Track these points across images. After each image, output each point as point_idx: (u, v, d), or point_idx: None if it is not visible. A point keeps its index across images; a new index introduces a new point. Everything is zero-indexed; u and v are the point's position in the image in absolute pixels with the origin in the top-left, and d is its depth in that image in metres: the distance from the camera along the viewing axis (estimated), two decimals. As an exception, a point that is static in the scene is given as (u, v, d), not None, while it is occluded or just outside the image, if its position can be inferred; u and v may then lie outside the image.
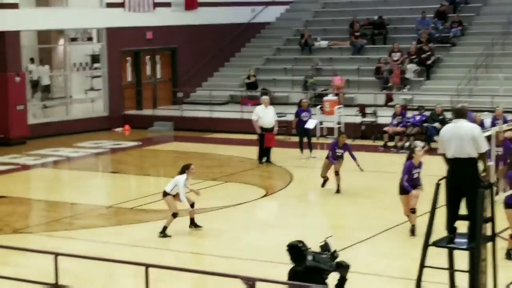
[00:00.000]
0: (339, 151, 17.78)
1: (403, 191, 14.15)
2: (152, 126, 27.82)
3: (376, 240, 12.59)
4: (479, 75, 26.41)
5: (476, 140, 9.99)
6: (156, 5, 29.64)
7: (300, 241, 7.91)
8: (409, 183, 14.12)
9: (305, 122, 21.73)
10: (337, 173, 17.56)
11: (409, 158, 14.48)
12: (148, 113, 28.97)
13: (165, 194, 14.64)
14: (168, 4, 30.30)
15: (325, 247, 7.84)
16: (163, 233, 14.56)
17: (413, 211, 13.97)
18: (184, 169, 14.65)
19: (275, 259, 11.94)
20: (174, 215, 14.54)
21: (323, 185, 17.92)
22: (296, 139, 22.14)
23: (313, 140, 22.69)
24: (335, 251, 7.85)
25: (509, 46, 27.74)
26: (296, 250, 7.86)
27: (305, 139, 21.78)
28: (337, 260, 7.97)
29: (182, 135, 26.65)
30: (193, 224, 14.95)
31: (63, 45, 29.92)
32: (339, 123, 24.79)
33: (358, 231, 13.97)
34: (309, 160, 21.49)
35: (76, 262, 11.39)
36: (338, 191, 17.60)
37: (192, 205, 14.72)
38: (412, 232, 13.89)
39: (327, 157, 17.76)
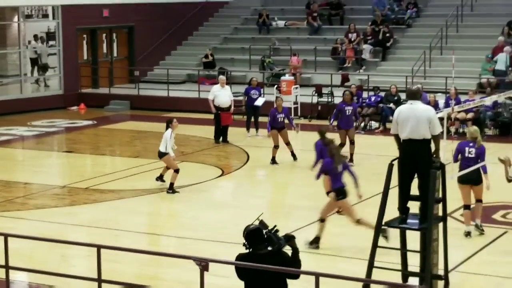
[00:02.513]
0: (279, 116, 18.48)
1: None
2: (108, 105, 27.63)
3: (329, 221, 12.67)
4: (434, 56, 26.66)
5: (431, 121, 10.10)
6: (113, -18, 29.36)
7: (260, 223, 7.70)
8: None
9: (255, 100, 21.84)
10: (288, 143, 18.45)
11: None
12: (104, 92, 28.72)
13: (161, 154, 15.95)
14: (125, -18, 30.02)
15: (263, 225, 7.68)
16: (172, 189, 15.81)
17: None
18: (168, 124, 16.05)
19: (231, 240, 11.99)
20: (177, 171, 15.88)
21: (273, 160, 18.52)
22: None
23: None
24: (275, 226, 7.72)
25: (462, 28, 28.05)
26: (259, 233, 7.62)
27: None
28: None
29: (139, 114, 26.50)
30: (161, 179, 16.37)
31: (17, 22, 29.50)
32: (295, 103, 24.86)
33: (312, 211, 14.04)
34: (255, 138, 21.63)
35: (28, 243, 11.32)
36: (294, 158, 18.51)
37: (177, 171, 15.88)
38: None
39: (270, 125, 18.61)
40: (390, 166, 10.10)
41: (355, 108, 18.79)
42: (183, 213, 15.00)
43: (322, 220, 12.57)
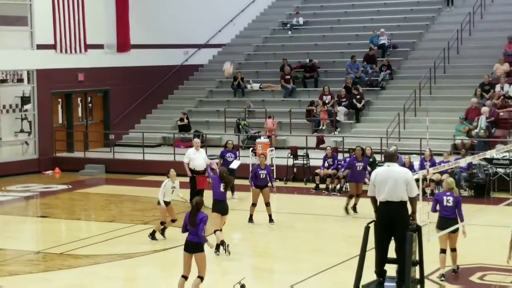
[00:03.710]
0: (261, 172, 18.54)
1: None
2: (83, 169, 27.51)
3: (306, 285, 12.59)
4: (408, 118, 26.91)
5: (409, 184, 10.18)
6: (88, 46, 29.49)
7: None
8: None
9: (230, 162, 21.84)
10: (267, 204, 18.41)
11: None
12: (79, 156, 28.63)
13: (159, 203, 16.84)
14: (100, 46, 30.19)
15: None
16: (158, 234, 16.97)
17: None
18: (166, 175, 17.16)
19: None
20: (173, 221, 16.93)
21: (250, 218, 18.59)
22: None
23: (246, 182, 22.68)
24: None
25: (436, 90, 28.41)
26: None
27: None
28: None
29: (114, 178, 26.39)
30: (159, 234, 17.07)
31: (-8, 87, 29.47)
32: (271, 165, 24.84)
33: (288, 274, 13.94)
34: (231, 201, 21.53)
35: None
36: (271, 220, 18.44)
37: (173, 221, 16.91)
38: None
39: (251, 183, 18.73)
40: (367, 229, 10.12)
41: (365, 163, 19.65)
42: (159, 278, 14.82)
43: None
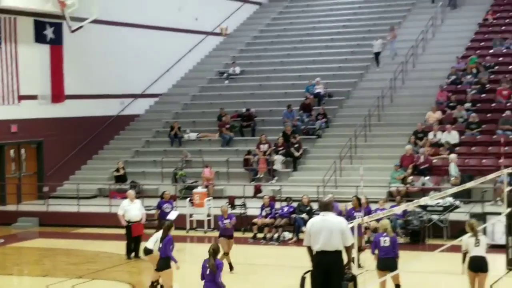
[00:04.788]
0: (226, 222, 18.47)
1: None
2: (16, 222, 26.88)
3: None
4: (344, 166, 27.11)
5: (344, 233, 10.17)
6: (21, 97, 29.09)
7: None
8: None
9: (167, 213, 21.59)
10: (226, 253, 18.17)
11: None
12: (12, 209, 27.97)
13: (147, 251, 16.23)
14: (34, 97, 29.77)
15: None
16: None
17: None
18: (161, 227, 16.26)
19: None
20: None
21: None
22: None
23: (183, 233, 22.53)
24: None
25: (370, 138, 28.74)
26: None
27: None
28: None
29: (48, 231, 25.83)
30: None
31: None
32: (209, 215, 24.72)
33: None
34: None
35: None
36: (231, 268, 18.25)
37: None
38: None
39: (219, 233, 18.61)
40: (303, 279, 10.06)
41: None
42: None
43: None
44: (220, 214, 19.08)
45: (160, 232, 15.64)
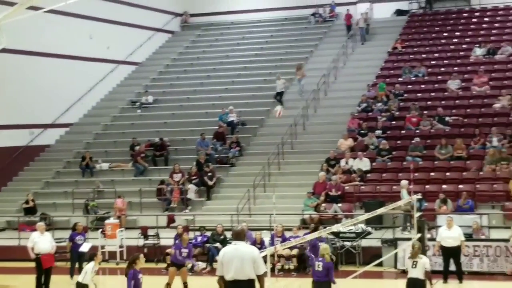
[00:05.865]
0: (184, 251, 18.45)
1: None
2: None
3: None
4: (258, 194, 27.11)
5: (256, 261, 10.12)
6: None
7: None
8: None
9: (80, 245, 21.14)
10: (185, 283, 18.34)
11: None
12: None
13: (79, 285, 15.82)
14: None
15: None
16: None
17: None
18: (92, 257, 16.16)
19: None
20: None
21: None
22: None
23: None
24: None
25: (284, 166, 28.87)
26: None
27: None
28: None
29: (-47, 267, 24.94)
30: None
31: None
32: (121, 246, 24.33)
33: None
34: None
35: None
36: None
37: None
38: None
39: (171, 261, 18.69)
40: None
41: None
42: None
43: None
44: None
45: (90, 264, 15.82)
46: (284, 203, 24.73)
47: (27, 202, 28.55)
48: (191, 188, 28.14)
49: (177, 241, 19.16)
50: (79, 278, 16.12)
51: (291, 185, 27.43)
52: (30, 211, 28.44)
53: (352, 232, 22.02)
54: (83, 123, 35.24)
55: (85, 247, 21.37)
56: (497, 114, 29.34)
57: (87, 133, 34.10)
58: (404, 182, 24.33)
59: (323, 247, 14.97)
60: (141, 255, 14.17)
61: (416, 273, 14.37)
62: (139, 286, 13.91)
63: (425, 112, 29.90)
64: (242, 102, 33.57)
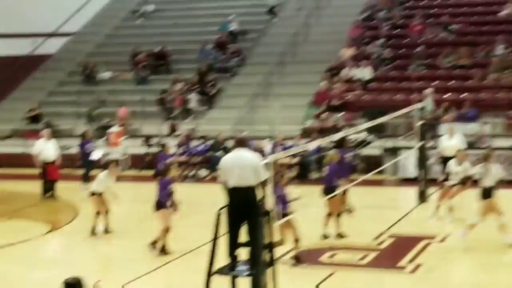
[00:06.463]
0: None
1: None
2: None
3: (159, 273, 12.60)
4: (259, 103, 27.24)
5: (257, 169, 10.28)
6: None
7: (76, 279, 7.63)
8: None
9: (89, 154, 21.44)
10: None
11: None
12: None
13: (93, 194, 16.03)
14: None
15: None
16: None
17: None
18: (106, 166, 16.44)
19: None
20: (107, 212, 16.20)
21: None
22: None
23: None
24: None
25: (285, 76, 28.85)
26: None
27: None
28: None
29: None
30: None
31: None
32: (124, 154, 24.66)
33: (139, 264, 13.87)
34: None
35: None
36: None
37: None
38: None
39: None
40: (218, 215, 10.21)
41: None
42: (9, 273, 14.36)
43: None
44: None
45: (104, 173, 15.90)
46: (285, 113, 24.87)
47: (31, 110, 28.75)
48: (193, 97, 28.27)
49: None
50: (93, 186, 16.22)
51: (292, 94, 27.48)
52: (34, 119, 28.69)
53: (352, 142, 22.17)
54: (85, 33, 35.07)
55: (96, 155, 21.64)
56: (502, 22, 29.03)
57: (88, 42, 34.00)
58: (429, 90, 24.22)
59: (330, 152, 15.84)
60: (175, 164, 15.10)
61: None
62: (171, 196, 14.29)
63: (429, 20, 29.61)
64: (243, 11, 33.30)
